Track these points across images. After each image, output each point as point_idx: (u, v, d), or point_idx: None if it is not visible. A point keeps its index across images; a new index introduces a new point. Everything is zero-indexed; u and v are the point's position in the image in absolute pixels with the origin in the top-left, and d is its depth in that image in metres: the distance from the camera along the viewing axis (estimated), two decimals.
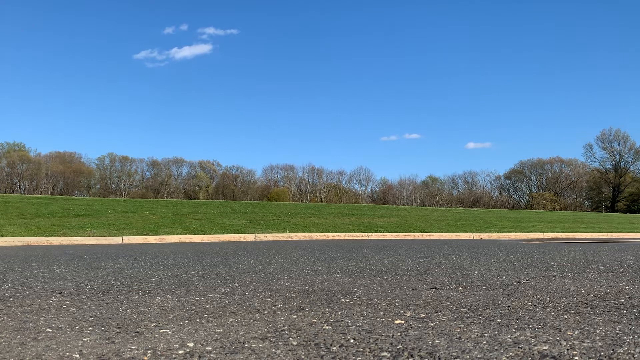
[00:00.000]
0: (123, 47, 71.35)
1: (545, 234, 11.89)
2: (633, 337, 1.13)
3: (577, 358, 0.96)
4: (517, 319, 1.34)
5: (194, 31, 73.20)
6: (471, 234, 11.19)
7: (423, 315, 1.41)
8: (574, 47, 68.55)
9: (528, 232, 12.17)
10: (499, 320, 1.33)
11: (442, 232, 11.28)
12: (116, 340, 1.14)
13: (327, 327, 1.27)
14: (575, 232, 12.58)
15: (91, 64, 71.39)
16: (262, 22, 72.11)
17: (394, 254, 4.39)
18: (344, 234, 10.45)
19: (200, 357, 1.00)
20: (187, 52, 73.63)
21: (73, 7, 67.55)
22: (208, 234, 9.83)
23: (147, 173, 63.09)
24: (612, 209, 48.16)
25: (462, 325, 1.27)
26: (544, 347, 1.04)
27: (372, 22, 72.65)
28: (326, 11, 73.11)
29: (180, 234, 9.54)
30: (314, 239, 9.77)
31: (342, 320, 1.35)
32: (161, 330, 1.25)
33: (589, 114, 67.51)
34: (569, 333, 1.17)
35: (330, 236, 10.13)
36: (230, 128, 77.06)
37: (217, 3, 70.69)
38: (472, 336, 1.15)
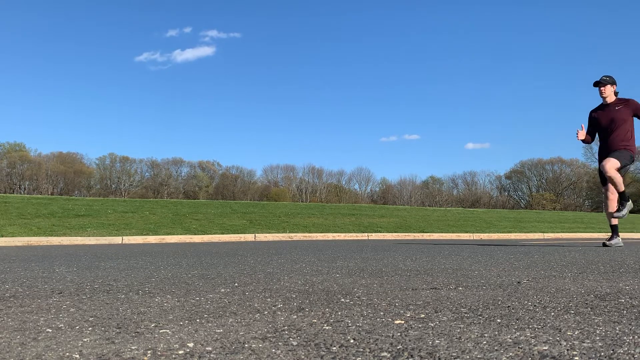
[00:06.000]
0: (125, 49, 71.39)
1: (545, 234, 11.89)
2: (633, 337, 1.13)
3: (577, 358, 0.96)
4: (517, 319, 1.34)
5: (196, 34, 73.32)
6: (471, 234, 11.19)
7: (423, 316, 1.41)
8: (573, 47, 68.56)
9: (528, 232, 12.17)
10: (499, 321, 1.33)
11: (442, 232, 11.29)
12: (116, 341, 1.14)
13: (327, 327, 1.27)
14: (575, 232, 12.58)
15: (92, 65, 71.44)
16: (264, 25, 72.12)
17: (394, 254, 4.39)
18: (344, 234, 10.45)
19: (200, 357, 1.00)
20: (189, 54, 73.73)
21: (75, 9, 67.59)
22: (208, 234, 9.83)
23: (147, 173, 63.09)
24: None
25: (462, 326, 1.27)
26: (544, 347, 1.04)
27: (372, 25, 72.69)
28: (327, 15, 73.15)
29: (180, 234, 9.54)
30: (314, 239, 9.77)
31: (342, 321, 1.35)
32: (161, 331, 1.25)
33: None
34: (569, 333, 1.17)
35: (330, 236, 10.13)
36: (231, 128, 77.13)
37: (220, 6, 70.77)
38: (472, 336, 1.15)
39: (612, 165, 5.40)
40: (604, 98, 5.70)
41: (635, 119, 5.62)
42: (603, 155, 5.75)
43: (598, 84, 5.67)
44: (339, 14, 77.46)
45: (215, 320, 1.37)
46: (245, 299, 1.75)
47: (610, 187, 5.61)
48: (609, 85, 5.65)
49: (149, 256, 4.32)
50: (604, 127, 5.69)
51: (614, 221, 5.66)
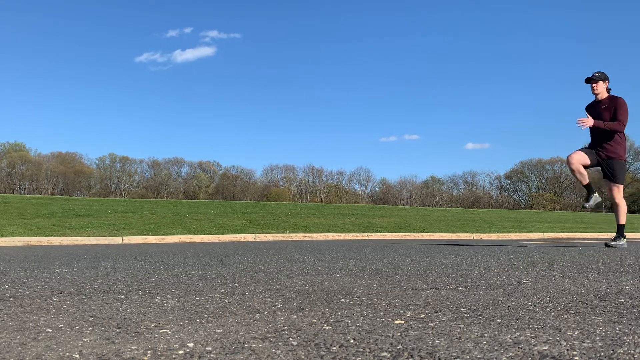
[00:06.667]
0: (125, 49, 71.44)
1: (545, 234, 11.89)
2: (633, 337, 1.13)
3: (577, 358, 0.96)
4: (517, 319, 1.34)
5: (197, 34, 73.40)
6: (471, 234, 11.19)
7: (423, 316, 1.41)
8: (573, 47, 68.56)
9: (528, 232, 12.16)
10: (499, 321, 1.33)
11: (442, 232, 11.28)
12: (116, 341, 1.14)
13: (327, 328, 1.27)
14: (575, 232, 12.58)
15: (92, 66, 71.45)
16: (264, 26, 72.11)
17: (394, 254, 4.39)
18: (343, 234, 10.45)
19: (200, 357, 1.00)
20: (189, 54, 73.80)
21: (75, 9, 67.56)
22: (208, 234, 9.82)
23: (147, 173, 63.12)
24: (612, 209, 48.15)
25: (462, 326, 1.27)
26: (544, 347, 1.04)
27: (372, 26, 72.73)
28: (327, 15, 73.23)
29: (180, 234, 9.54)
30: (314, 239, 9.77)
31: (342, 321, 1.35)
32: (161, 331, 1.25)
33: None
34: (569, 333, 1.17)
35: (330, 236, 10.12)
36: (231, 128, 77.17)
37: (221, 7, 70.78)
38: (472, 336, 1.15)
39: (620, 192, 5.55)
40: (595, 95, 5.61)
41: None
42: (594, 150, 5.70)
43: (590, 80, 5.58)
44: (339, 14, 77.53)
45: (215, 320, 1.37)
46: (245, 299, 1.75)
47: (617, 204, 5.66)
48: (600, 82, 5.55)
49: (149, 256, 4.32)
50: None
51: (622, 221, 5.62)
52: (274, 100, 78.76)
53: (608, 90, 5.62)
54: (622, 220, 5.53)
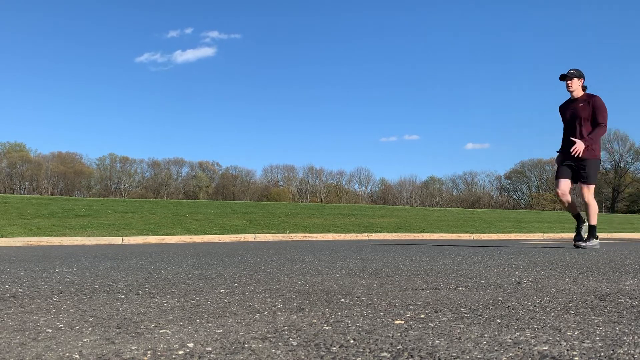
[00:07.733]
0: (125, 50, 71.43)
1: (545, 234, 11.88)
2: (633, 337, 1.13)
3: (577, 358, 0.96)
4: (517, 320, 1.34)
5: (197, 34, 73.37)
6: (471, 234, 11.19)
7: (423, 316, 1.41)
8: (573, 47, 68.58)
9: (528, 232, 12.16)
10: (499, 321, 1.33)
11: (442, 233, 11.28)
12: (116, 341, 1.14)
13: (327, 328, 1.27)
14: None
15: (92, 65, 71.44)
16: (264, 26, 72.10)
17: (394, 254, 4.39)
18: (343, 234, 10.45)
19: (200, 357, 1.00)
20: (190, 55, 73.78)
21: (75, 9, 67.56)
22: (208, 234, 9.82)
23: (147, 173, 63.11)
24: (612, 209, 48.14)
25: (462, 326, 1.27)
26: (544, 348, 1.04)
27: (372, 26, 72.71)
28: (327, 15, 73.24)
29: (180, 235, 9.53)
30: (314, 239, 9.76)
31: (342, 321, 1.35)
32: (161, 331, 1.25)
33: None
34: (569, 333, 1.17)
35: (330, 236, 10.12)
36: (231, 128, 77.15)
37: (221, 7, 70.74)
38: (472, 336, 1.15)
39: (591, 192, 5.30)
40: (570, 92, 5.46)
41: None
42: (566, 151, 5.45)
43: (564, 77, 5.43)
44: (339, 14, 77.58)
45: (215, 321, 1.37)
46: (245, 299, 1.75)
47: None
48: (575, 79, 5.40)
49: (149, 256, 4.32)
50: (568, 123, 5.49)
51: (593, 221, 5.40)
52: (274, 100, 78.76)
53: (584, 87, 5.45)
54: (594, 221, 5.33)
